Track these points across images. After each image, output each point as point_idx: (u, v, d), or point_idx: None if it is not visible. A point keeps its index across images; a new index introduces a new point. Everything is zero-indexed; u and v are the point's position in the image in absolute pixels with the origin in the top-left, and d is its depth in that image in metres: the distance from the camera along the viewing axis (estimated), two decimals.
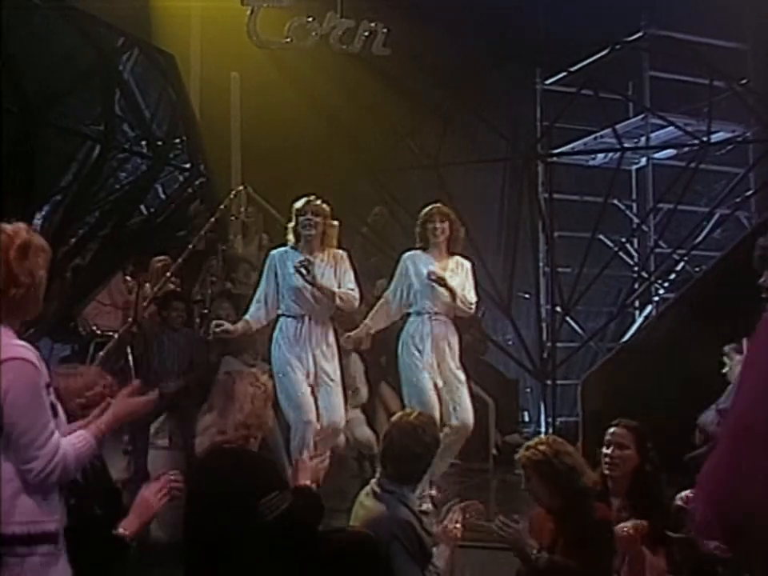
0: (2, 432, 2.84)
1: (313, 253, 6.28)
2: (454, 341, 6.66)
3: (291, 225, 6.42)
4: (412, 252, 6.74)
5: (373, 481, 4.32)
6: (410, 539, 4.08)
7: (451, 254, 6.73)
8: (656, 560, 4.35)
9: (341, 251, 6.41)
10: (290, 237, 6.42)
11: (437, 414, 6.20)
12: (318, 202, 6.35)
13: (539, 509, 4.27)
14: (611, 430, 4.76)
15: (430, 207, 6.78)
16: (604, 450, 4.70)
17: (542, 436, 5.34)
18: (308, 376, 6.14)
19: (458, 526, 4.34)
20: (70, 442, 2.95)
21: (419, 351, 6.50)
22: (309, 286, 6.15)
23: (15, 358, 2.85)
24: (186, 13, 11.19)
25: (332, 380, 6.23)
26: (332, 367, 6.27)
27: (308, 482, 3.98)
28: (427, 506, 6.07)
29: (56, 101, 7.54)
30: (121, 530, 3.35)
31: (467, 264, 6.75)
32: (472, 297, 6.64)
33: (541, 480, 4.11)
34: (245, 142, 10.90)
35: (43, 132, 7.21)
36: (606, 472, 4.64)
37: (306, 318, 6.24)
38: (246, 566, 3.67)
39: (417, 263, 6.63)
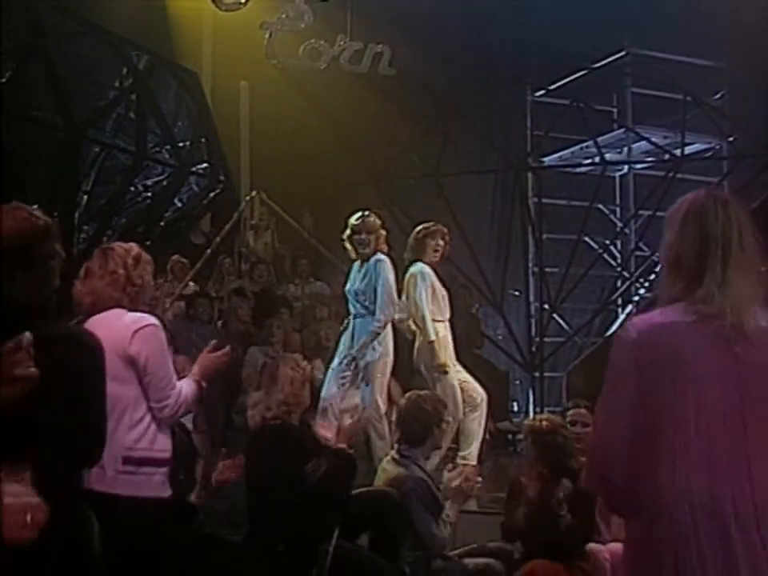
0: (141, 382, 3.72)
1: (367, 261, 7.00)
2: None
3: (347, 236, 7.09)
4: (421, 267, 7.23)
5: (392, 450, 5.19)
6: (424, 493, 4.94)
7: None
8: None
9: (378, 257, 7.00)
10: (348, 246, 7.11)
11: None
12: (372, 218, 7.02)
13: (516, 477, 5.10)
14: (571, 411, 5.56)
15: (432, 225, 7.37)
16: (569, 428, 5.44)
17: (551, 415, 5.93)
18: None
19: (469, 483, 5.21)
20: (185, 385, 3.84)
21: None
22: None
23: (149, 324, 3.76)
24: (198, 22, 11.90)
25: None
26: None
27: (345, 445, 4.81)
28: None
29: (97, 118, 8.28)
30: (194, 498, 4.17)
31: None
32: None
33: (534, 446, 4.96)
34: (255, 149, 11.60)
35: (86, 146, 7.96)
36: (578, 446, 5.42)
37: None
38: (295, 517, 4.47)
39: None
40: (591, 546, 4.92)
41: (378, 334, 6.92)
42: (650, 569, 2.47)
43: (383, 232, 7.14)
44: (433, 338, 7.02)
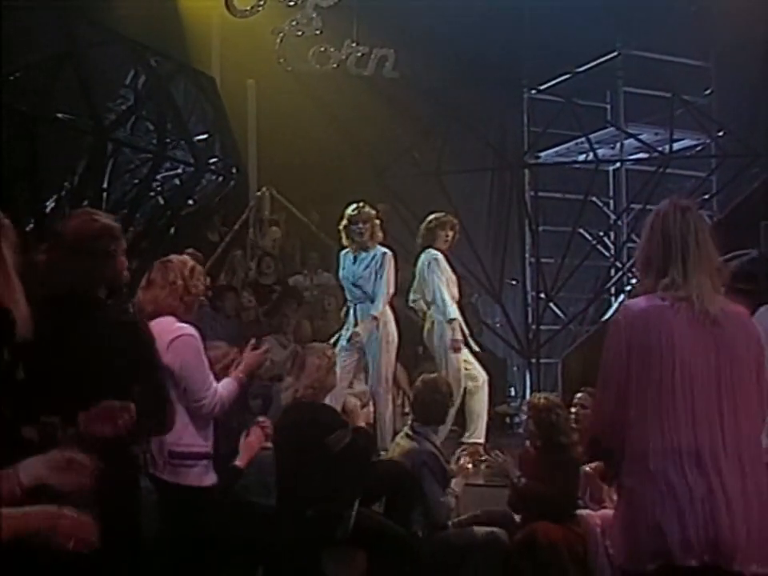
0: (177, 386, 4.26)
1: (365, 250, 7.53)
2: None
3: (343, 226, 7.59)
4: (435, 254, 7.87)
5: (405, 426, 5.78)
6: (434, 466, 5.53)
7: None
8: (610, 490, 5.76)
9: (383, 250, 7.58)
10: (344, 236, 7.62)
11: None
12: (367, 209, 7.54)
13: (526, 448, 5.70)
14: (578, 395, 6.17)
15: (443, 216, 8.00)
16: (572, 410, 6.07)
17: (551, 394, 6.52)
18: None
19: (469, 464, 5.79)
20: (222, 385, 4.39)
21: None
22: None
23: (183, 335, 4.28)
24: (208, 23, 12.36)
25: None
26: None
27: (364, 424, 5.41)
28: None
29: (122, 121, 8.81)
30: (237, 463, 4.74)
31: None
32: None
33: (532, 420, 5.55)
34: (262, 145, 12.04)
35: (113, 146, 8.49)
36: (574, 426, 6.03)
37: None
38: (320, 485, 5.05)
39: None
40: (582, 512, 5.51)
41: (377, 318, 7.40)
42: (642, 513, 2.99)
43: (378, 222, 7.62)
44: (453, 316, 7.56)
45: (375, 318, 7.44)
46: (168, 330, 4.28)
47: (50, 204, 8.87)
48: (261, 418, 5.00)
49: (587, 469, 5.63)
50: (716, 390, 3.00)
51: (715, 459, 2.95)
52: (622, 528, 3.10)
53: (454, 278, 7.95)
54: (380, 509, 5.59)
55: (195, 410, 4.33)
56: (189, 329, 4.36)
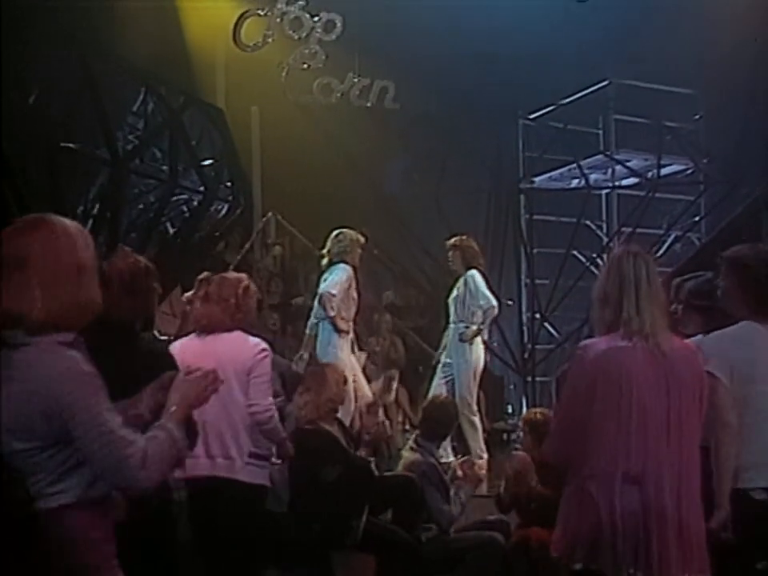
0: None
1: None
2: None
3: (326, 250, 8.08)
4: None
5: (410, 440, 6.23)
6: (434, 476, 5.97)
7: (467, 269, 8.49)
8: None
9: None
10: (326, 259, 8.09)
11: None
12: (351, 232, 8.06)
13: (521, 454, 6.12)
14: None
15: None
16: None
17: (544, 409, 6.73)
18: None
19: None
20: None
21: None
22: None
23: (265, 349, 4.75)
24: (213, 54, 12.81)
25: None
26: None
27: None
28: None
29: (138, 152, 9.27)
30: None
31: (469, 273, 8.45)
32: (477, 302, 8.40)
33: (530, 434, 5.98)
34: (265, 171, 12.45)
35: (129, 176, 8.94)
36: None
37: None
38: (325, 501, 5.47)
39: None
40: None
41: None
42: (583, 521, 3.41)
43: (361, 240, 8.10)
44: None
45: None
46: (252, 343, 4.68)
47: None
48: None
49: None
50: (665, 419, 3.42)
51: (658, 481, 3.38)
52: (573, 528, 3.48)
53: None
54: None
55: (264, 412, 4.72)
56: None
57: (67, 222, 2.60)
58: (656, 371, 3.43)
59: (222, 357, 4.45)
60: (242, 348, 4.64)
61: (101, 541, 2.50)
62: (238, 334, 4.71)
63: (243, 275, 4.97)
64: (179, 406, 2.64)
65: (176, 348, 4.52)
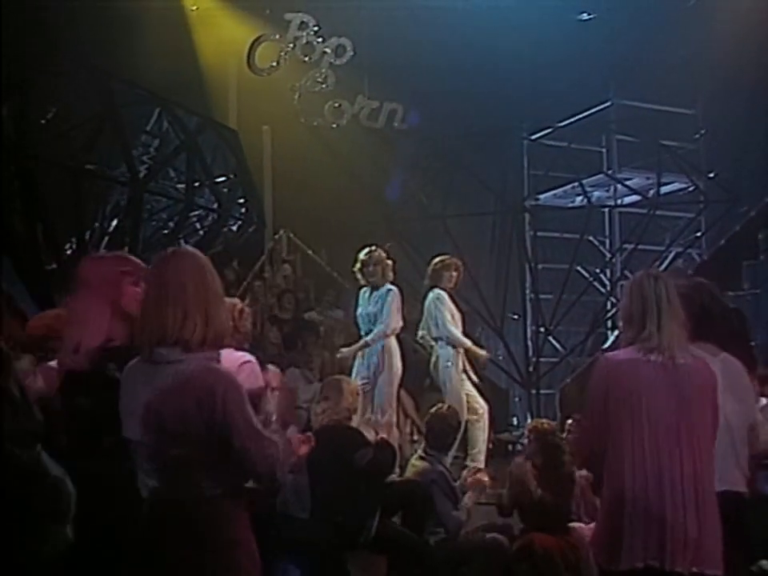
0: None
1: (376, 288, 8.30)
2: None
3: (357, 268, 8.39)
4: (439, 293, 8.63)
5: (419, 450, 6.57)
6: (443, 484, 6.31)
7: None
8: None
9: (389, 287, 8.35)
10: (360, 277, 8.41)
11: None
12: (377, 252, 8.34)
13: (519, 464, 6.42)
14: (569, 421, 6.94)
15: (447, 258, 8.76)
16: (565, 435, 6.85)
17: (549, 420, 7.29)
18: None
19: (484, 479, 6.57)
20: None
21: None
22: None
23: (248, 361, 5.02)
24: (225, 75, 13.18)
25: None
26: None
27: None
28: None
29: (155, 174, 9.64)
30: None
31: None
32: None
33: (536, 442, 6.30)
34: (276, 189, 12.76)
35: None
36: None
37: None
38: (347, 500, 5.78)
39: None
40: (575, 524, 6.25)
41: (380, 336, 8.18)
42: (618, 522, 3.76)
43: (389, 262, 8.42)
44: (468, 344, 8.47)
45: (367, 343, 8.28)
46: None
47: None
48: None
49: (582, 476, 6.36)
50: (676, 427, 3.77)
51: (673, 485, 3.72)
52: (603, 532, 3.87)
53: (458, 314, 8.70)
54: (397, 521, 6.35)
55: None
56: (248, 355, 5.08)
57: (202, 255, 3.05)
58: (666, 382, 3.77)
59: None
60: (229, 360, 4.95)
61: (245, 523, 2.99)
62: (229, 351, 5.07)
63: (236, 299, 5.37)
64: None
65: None
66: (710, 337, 4.23)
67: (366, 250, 8.40)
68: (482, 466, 8.28)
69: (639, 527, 3.70)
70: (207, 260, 3.04)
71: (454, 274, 8.70)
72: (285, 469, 3.00)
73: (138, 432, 2.93)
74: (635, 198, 13.62)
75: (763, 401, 8.16)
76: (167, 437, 2.86)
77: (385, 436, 6.31)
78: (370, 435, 6.44)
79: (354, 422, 6.31)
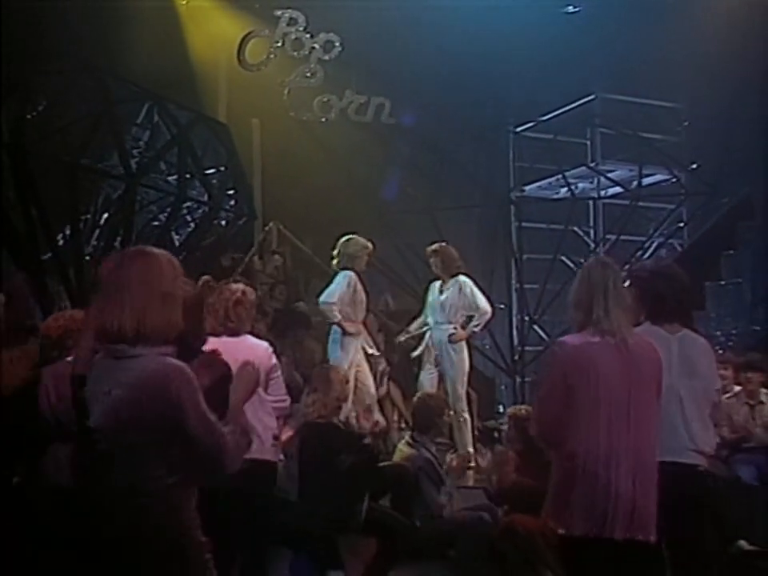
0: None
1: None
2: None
3: (336, 252, 8.44)
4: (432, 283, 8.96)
5: (406, 436, 6.81)
6: (429, 469, 6.55)
7: (452, 275, 8.93)
8: None
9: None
10: (335, 261, 8.47)
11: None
12: (360, 239, 8.46)
13: (503, 450, 6.68)
14: None
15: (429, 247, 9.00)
16: None
17: (529, 406, 7.19)
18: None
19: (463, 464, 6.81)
20: None
21: None
22: None
23: (263, 345, 5.39)
24: (215, 68, 13.35)
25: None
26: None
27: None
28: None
29: (148, 168, 9.84)
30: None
31: (461, 279, 8.87)
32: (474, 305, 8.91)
33: (515, 428, 6.55)
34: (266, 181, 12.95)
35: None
36: None
37: None
38: (332, 491, 6.02)
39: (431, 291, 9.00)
40: None
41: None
42: (565, 488, 4.03)
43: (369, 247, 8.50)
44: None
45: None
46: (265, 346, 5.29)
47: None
48: None
49: None
50: (626, 404, 4.02)
51: (618, 458, 3.97)
52: (556, 499, 4.11)
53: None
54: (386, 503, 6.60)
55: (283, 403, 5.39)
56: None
57: (160, 254, 3.16)
58: (621, 363, 4.03)
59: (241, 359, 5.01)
60: (255, 351, 5.16)
61: (192, 510, 3.15)
62: (246, 337, 5.26)
63: (240, 286, 5.45)
64: (239, 400, 3.25)
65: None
66: (671, 317, 4.60)
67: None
68: (470, 449, 8.58)
69: (587, 496, 3.95)
70: (162, 260, 3.12)
71: (432, 261, 8.94)
72: (237, 463, 3.10)
73: (99, 422, 3.07)
74: (618, 189, 13.88)
75: (737, 388, 8.51)
76: (124, 426, 3.02)
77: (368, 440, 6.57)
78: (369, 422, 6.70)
79: (345, 410, 6.52)
